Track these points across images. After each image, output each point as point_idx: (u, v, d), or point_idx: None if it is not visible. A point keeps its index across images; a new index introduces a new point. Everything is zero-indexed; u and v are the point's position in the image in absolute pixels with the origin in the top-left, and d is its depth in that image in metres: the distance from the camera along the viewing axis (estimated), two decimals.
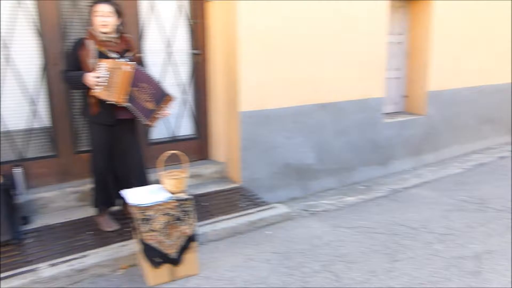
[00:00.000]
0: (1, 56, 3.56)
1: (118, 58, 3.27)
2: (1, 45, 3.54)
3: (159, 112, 3.32)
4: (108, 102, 3.19)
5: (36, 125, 3.79)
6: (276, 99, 4.47)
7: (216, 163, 4.63)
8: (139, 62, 3.43)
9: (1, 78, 3.58)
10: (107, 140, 3.39)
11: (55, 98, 3.79)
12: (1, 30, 3.52)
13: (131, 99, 3.18)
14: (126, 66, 3.11)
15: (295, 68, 4.52)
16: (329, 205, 4.54)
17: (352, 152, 5.20)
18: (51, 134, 3.86)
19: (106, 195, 3.50)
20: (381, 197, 4.77)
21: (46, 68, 3.72)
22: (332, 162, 5.05)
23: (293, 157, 4.73)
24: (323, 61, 4.70)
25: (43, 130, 3.83)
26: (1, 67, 3.57)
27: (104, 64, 3.16)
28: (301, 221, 4.07)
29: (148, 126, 3.36)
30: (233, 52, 4.21)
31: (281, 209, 4.08)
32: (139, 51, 4.10)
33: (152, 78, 3.26)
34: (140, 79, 3.19)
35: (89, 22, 3.33)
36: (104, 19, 3.22)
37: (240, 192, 4.36)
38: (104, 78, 3.15)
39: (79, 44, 3.24)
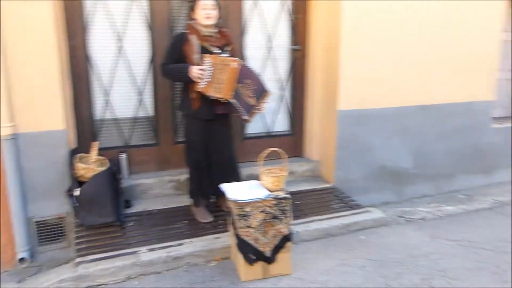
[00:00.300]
0: (115, 48, 3.73)
1: (221, 53, 3.28)
2: (116, 38, 3.70)
3: (258, 107, 3.30)
4: (211, 98, 3.22)
5: (141, 114, 3.94)
6: (376, 98, 4.27)
7: (309, 161, 4.54)
8: (237, 55, 3.43)
9: (114, 68, 3.75)
10: (204, 135, 3.41)
11: (159, 89, 3.91)
12: (116, 24, 3.67)
13: (236, 95, 3.19)
14: (233, 62, 3.12)
15: (396, 67, 4.28)
16: (426, 213, 4.26)
17: (453, 158, 4.85)
18: (153, 123, 3.99)
19: (201, 188, 3.54)
20: (486, 209, 4.40)
21: (153, 60, 3.84)
22: (430, 167, 4.75)
23: (389, 160, 4.51)
24: (427, 61, 4.41)
25: (146, 119, 3.97)
26: (114, 57, 3.74)
27: (209, 60, 3.17)
28: (396, 228, 3.86)
29: (247, 121, 3.35)
30: (335, 48, 4.07)
31: (376, 213, 3.90)
32: (239, 45, 4.11)
33: (255, 73, 3.24)
34: (245, 75, 3.19)
35: (190, 16, 3.35)
36: (209, 12, 3.23)
37: (332, 193, 4.23)
38: (209, 74, 3.16)
39: (183, 38, 3.26)
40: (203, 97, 3.26)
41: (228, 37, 3.40)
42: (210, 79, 3.17)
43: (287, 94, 4.47)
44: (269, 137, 4.46)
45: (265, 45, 4.25)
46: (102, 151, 3.66)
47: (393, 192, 4.62)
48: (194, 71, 3.16)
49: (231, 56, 3.33)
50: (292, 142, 4.57)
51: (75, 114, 3.63)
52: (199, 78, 3.17)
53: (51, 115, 3.28)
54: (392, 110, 4.38)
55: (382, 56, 4.19)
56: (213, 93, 3.18)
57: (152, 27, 3.79)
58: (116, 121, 3.86)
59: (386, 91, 4.30)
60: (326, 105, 4.31)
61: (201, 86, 3.20)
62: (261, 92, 3.27)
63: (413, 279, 3.03)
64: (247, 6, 4.11)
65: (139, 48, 3.81)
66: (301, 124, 4.56)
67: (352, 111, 4.20)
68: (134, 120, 3.92)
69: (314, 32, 4.27)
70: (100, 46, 3.69)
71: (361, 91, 4.18)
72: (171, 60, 3.30)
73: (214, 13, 3.25)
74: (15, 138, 3.19)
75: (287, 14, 4.26)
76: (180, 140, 4.02)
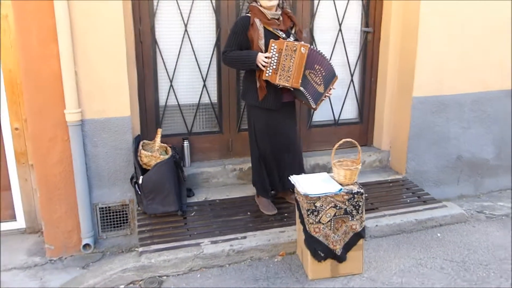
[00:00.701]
0: (181, 32, 3.60)
1: (287, 38, 3.05)
2: (181, 22, 3.58)
3: (326, 94, 3.06)
4: (280, 86, 3.02)
5: (204, 100, 3.81)
6: (455, 83, 3.90)
7: (378, 151, 4.24)
8: (301, 37, 3.21)
9: (179, 54, 3.64)
10: (269, 124, 3.21)
11: (223, 75, 3.75)
12: (182, 8, 3.54)
13: (305, 82, 2.96)
14: (302, 47, 2.89)
15: (478, 48, 3.88)
16: (508, 209, 3.87)
17: None
18: (217, 110, 3.85)
19: (266, 179, 3.37)
20: None
21: (218, 45, 3.69)
22: None
23: (467, 150, 4.13)
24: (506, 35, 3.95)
25: (210, 106, 3.84)
26: (179, 42, 3.62)
27: (275, 45, 2.95)
28: (477, 226, 3.52)
29: (314, 109, 3.12)
30: (412, 30, 3.73)
31: (454, 209, 3.57)
32: (309, 29, 3.86)
33: (324, 58, 3.00)
34: (314, 61, 2.96)
35: None
36: None
37: (404, 185, 3.93)
38: (275, 60, 2.96)
39: (247, 22, 3.04)
40: (268, 85, 3.07)
41: (292, 18, 3.16)
42: (276, 66, 2.96)
43: (356, 79, 4.17)
44: (335, 125, 4.20)
45: (334, 27, 3.97)
46: (165, 138, 3.57)
47: (471, 184, 4.25)
48: (262, 59, 2.96)
49: (297, 39, 3.10)
50: (360, 130, 4.29)
51: (139, 100, 3.55)
52: (265, 66, 2.98)
53: (117, 101, 3.21)
54: (471, 96, 3.99)
55: (462, 38, 3.81)
56: (280, 81, 2.97)
57: (218, 10, 3.62)
58: (179, 107, 3.75)
59: (466, 75, 3.91)
60: (399, 91, 3.99)
61: (267, 74, 3.00)
62: (330, 78, 3.04)
63: (502, 284, 2.72)
64: None
65: (204, 33, 3.67)
66: (370, 112, 4.26)
67: (428, 97, 3.85)
68: (198, 107, 3.80)
69: (388, 13, 3.93)
70: (166, 31, 3.58)
71: (439, 76, 3.83)
72: (235, 46, 3.09)
73: None
74: (81, 124, 3.16)
75: None
76: (244, 128, 3.86)
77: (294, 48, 2.91)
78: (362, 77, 4.16)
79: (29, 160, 3.48)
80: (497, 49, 3.94)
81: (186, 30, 3.59)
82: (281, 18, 3.10)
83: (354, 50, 4.09)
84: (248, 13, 3.13)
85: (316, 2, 3.82)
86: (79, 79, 3.10)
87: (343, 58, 4.06)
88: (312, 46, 2.98)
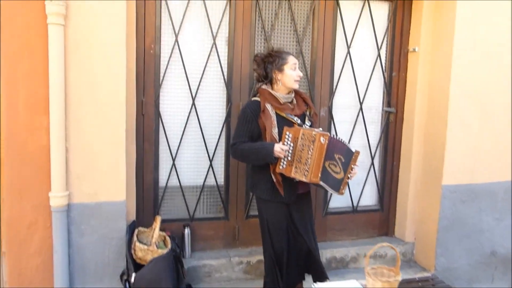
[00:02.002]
0: (187, 106, 3.21)
1: (302, 125, 2.64)
2: (188, 95, 3.19)
3: (348, 177, 2.60)
4: (296, 180, 2.57)
5: (209, 182, 3.33)
6: (487, 171, 3.51)
7: (401, 243, 3.73)
8: (316, 120, 2.80)
9: (185, 129, 3.22)
10: (283, 218, 2.71)
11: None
12: (191, 78, 3.17)
13: (324, 175, 2.49)
14: (321, 136, 2.43)
15: (506, 132, 3.52)
16: None
17: None
18: (223, 194, 3.37)
19: (280, 281, 2.79)
20: None
21: (227, 121, 3.28)
22: None
23: (501, 244, 3.65)
24: None
25: (215, 188, 3.36)
26: (185, 117, 3.21)
27: (290, 134, 2.52)
28: None
29: (339, 194, 2.65)
30: (440, 112, 3.38)
31: None
32: (328, 108, 3.50)
33: (344, 144, 2.55)
34: (335, 150, 2.50)
35: (269, 77, 2.67)
36: (299, 72, 2.65)
37: (435, 285, 3.37)
38: (290, 151, 2.52)
39: (258, 109, 2.60)
40: (283, 178, 2.61)
41: (307, 101, 2.75)
42: (292, 158, 2.52)
43: (377, 162, 3.75)
44: (353, 212, 3.71)
45: (353, 106, 3.61)
46: (163, 223, 3.05)
47: (506, 282, 3.72)
48: (278, 150, 2.51)
49: (313, 125, 2.69)
50: (380, 218, 3.81)
51: (137, 180, 3.07)
52: (283, 158, 2.54)
53: (111, 183, 2.74)
54: (504, 184, 3.58)
55: (494, 121, 3.46)
56: (296, 175, 2.51)
57: (229, 83, 3.25)
58: (181, 189, 3.27)
59: (498, 162, 3.52)
60: (425, 178, 3.56)
61: (281, 167, 2.55)
62: (349, 160, 2.57)
63: None
64: (338, 61, 3.51)
65: (213, 107, 3.28)
66: (391, 198, 3.80)
67: (459, 186, 3.43)
68: (202, 189, 3.32)
69: (412, 93, 3.59)
70: (171, 103, 3.18)
71: (470, 163, 3.44)
72: (246, 137, 2.63)
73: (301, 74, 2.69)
74: (67, 209, 2.65)
75: (381, 70, 3.63)
76: (253, 214, 3.37)
77: (313, 139, 2.44)
78: (384, 160, 3.75)
79: (2, 247, 2.92)
80: None
81: (193, 104, 3.19)
82: (294, 101, 2.69)
83: (375, 131, 3.71)
84: (255, 96, 2.73)
85: (336, 78, 3.48)
86: (70, 156, 2.64)
87: (363, 139, 3.66)
88: (332, 134, 2.55)
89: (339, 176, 2.54)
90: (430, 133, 3.50)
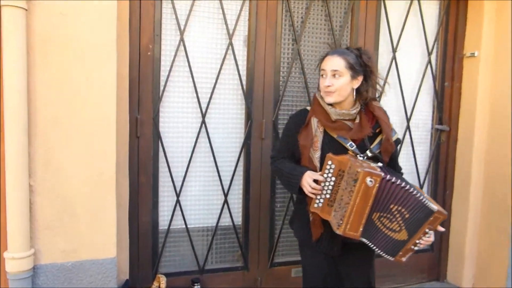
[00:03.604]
0: (195, 123, 2.42)
1: (358, 154, 1.82)
2: (197, 109, 2.41)
3: (417, 243, 1.81)
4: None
5: (224, 222, 2.54)
6: None
7: None
8: (390, 150, 1.88)
9: (192, 155, 2.42)
10: (323, 272, 1.95)
11: (252, 186, 2.53)
12: (198, 90, 2.39)
13: (369, 230, 1.72)
14: (369, 177, 1.65)
15: None
16: None
17: None
18: (241, 237, 2.57)
19: None
20: None
21: (246, 143, 2.50)
22: None
23: None
24: None
25: (232, 231, 2.55)
26: (193, 138, 2.42)
27: (333, 164, 1.75)
28: None
29: (398, 261, 1.85)
30: (507, 130, 2.65)
31: None
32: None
33: (410, 194, 1.71)
34: (391, 199, 1.70)
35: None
36: (328, 81, 1.82)
37: None
38: (329, 187, 1.76)
39: (302, 121, 1.88)
40: (323, 219, 1.83)
41: (380, 120, 1.87)
42: (332, 196, 1.76)
43: (425, 191, 3.00)
44: None
45: (400, 124, 2.85)
46: (166, 278, 2.24)
47: None
48: (307, 181, 1.77)
49: (377, 158, 1.85)
50: (430, 260, 3.03)
51: (130, 224, 2.26)
52: (315, 193, 1.78)
53: (97, 234, 1.93)
54: None
55: None
56: (331, 220, 1.75)
57: (249, 93, 2.48)
58: (188, 233, 2.46)
59: None
60: (490, 211, 2.81)
61: (316, 205, 1.80)
62: (421, 219, 1.79)
63: None
64: (380, 72, 2.72)
65: (228, 126, 2.50)
66: (443, 236, 3.03)
67: None
68: (215, 232, 2.51)
69: (470, 106, 2.85)
70: (175, 121, 2.40)
71: None
72: (285, 152, 1.95)
73: (339, 83, 1.81)
74: (33, 274, 1.82)
75: (431, 79, 2.90)
76: (279, 261, 2.59)
77: (355, 177, 1.67)
78: (434, 189, 2.99)
79: None
80: None
81: (203, 122, 2.41)
82: (358, 120, 1.86)
83: (423, 153, 2.96)
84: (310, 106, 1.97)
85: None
86: (36, 199, 1.82)
87: (410, 163, 2.90)
88: (388, 176, 1.70)
89: (398, 237, 1.75)
90: (493, 155, 2.77)
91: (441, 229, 1.79)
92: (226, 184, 2.50)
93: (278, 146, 2.03)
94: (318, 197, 1.78)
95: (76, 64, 1.86)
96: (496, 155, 2.76)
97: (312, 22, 2.59)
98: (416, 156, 2.90)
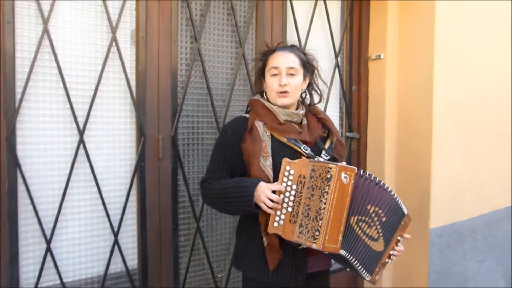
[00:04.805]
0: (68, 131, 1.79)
1: (315, 157, 1.55)
2: (76, 126, 1.78)
3: (391, 254, 1.57)
4: (302, 247, 1.49)
5: (114, 269, 1.94)
6: (468, 205, 2.77)
7: None
8: (343, 155, 1.69)
9: (69, 181, 1.78)
10: None
11: (151, 216, 1.98)
12: (75, 109, 1.77)
13: (349, 239, 1.46)
14: (343, 172, 1.41)
15: (484, 159, 2.85)
16: None
17: None
18: (136, 283, 1.99)
19: None
20: None
21: (139, 166, 1.95)
22: None
23: None
24: (507, 148, 3.04)
25: (124, 278, 1.96)
26: (67, 149, 1.79)
27: (292, 169, 1.47)
28: None
29: (372, 282, 1.57)
30: (421, 137, 2.52)
31: None
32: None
33: (386, 191, 1.54)
34: (368, 197, 1.49)
35: (256, 86, 1.70)
36: (285, 80, 1.54)
37: None
38: (291, 198, 1.47)
39: (243, 128, 1.56)
40: (283, 242, 1.49)
41: (326, 123, 1.68)
42: (294, 209, 1.45)
43: None
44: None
45: None
46: None
47: None
48: (266, 194, 1.44)
49: (335, 159, 1.60)
50: (349, 276, 2.79)
51: None
52: (273, 207, 1.45)
53: None
54: (483, 219, 2.89)
55: (472, 144, 2.75)
56: (301, 239, 1.43)
57: (140, 105, 1.93)
58: None
59: (477, 193, 2.81)
60: None
61: (276, 224, 1.46)
62: (395, 223, 1.56)
63: None
64: None
65: (115, 146, 1.92)
66: None
67: (445, 228, 2.62)
68: (103, 282, 1.90)
69: (378, 112, 2.67)
70: (39, 141, 1.75)
71: (454, 196, 2.65)
72: (222, 171, 1.58)
73: (294, 82, 1.57)
74: None
75: (338, 83, 2.66)
76: None
77: (328, 175, 1.40)
78: None
79: None
80: (498, 156, 2.96)
81: (81, 140, 1.80)
82: (305, 122, 1.63)
83: None
84: (247, 112, 1.65)
85: None
86: None
87: None
88: (361, 171, 1.49)
89: (376, 247, 1.53)
90: (406, 163, 2.63)
91: (407, 236, 1.60)
92: (115, 220, 1.91)
93: (211, 165, 1.61)
94: (278, 213, 1.45)
95: None
96: (410, 164, 2.61)
97: (213, 16, 2.16)
98: None
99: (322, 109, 2.04)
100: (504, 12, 2.87)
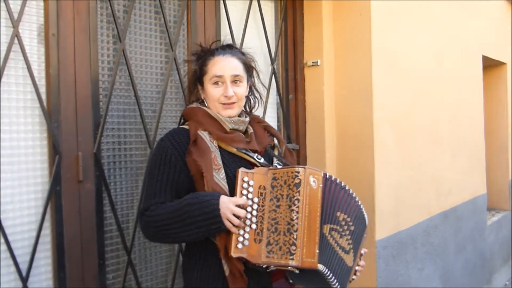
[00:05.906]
0: None
1: (270, 166, 1.41)
2: None
3: (356, 268, 1.46)
4: (270, 269, 1.29)
5: None
6: (408, 212, 2.74)
7: None
8: (292, 162, 1.54)
9: None
10: None
11: (70, 252, 1.60)
12: None
13: (324, 251, 1.30)
14: (312, 176, 1.28)
15: (421, 165, 2.86)
16: None
17: (470, 275, 3.51)
18: None
19: None
20: None
21: (53, 191, 1.57)
22: None
23: None
24: (442, 153, 3.10)
25: None
26: None
27: (250, 179, 1.29)
28: None
29: None
30: (362, 145, 2.43)
31: None
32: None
33: (352, 197, 1.42)
34: (336, 204, 1.36)
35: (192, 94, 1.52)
36: (231, 91, 1.40)
37: None
38: (254, 212, 1.28)
39: (185, 141, 1.36)
40: (246, 268, 1.29)
41: (270, 130, 1.56)
42: (258, 226, 1.26)
43: None
44: None
45: None
46: None
47: None
48: (228, 208, 1.24)
49: (283, 162, 1.48)
50: None
51: None
52: (235, 226, 1.25)
53: None
54: (421, 226, 2.91)
55: (409, 152, 2.73)
56: (274, 259, 1.24)
57: (54, 116, 1.57)
58: None
59: (415, 200, 2.81)
60: None
61: (240, 245, 1.25)
62: (360, 234, 1.44)
63: None
64: None
65: (21, 168, 1.53)
66: None
67: (389, 238, 2.54)
68: None
69: (317, 121, 2.53)
70: None
71: (396, 205, 2.60)
72: (164, 194, 1.33)
73: (240, 90, 1.43)
74: None
75: (275, 92, 2.47)
76: None
77: (296, 180, 1.26)
78: None
79: None
80: (432, 163, 2.99)
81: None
82: (251, 130, 1.48)
83: None
84: (182, 123, 1.43)
85: None
86: None
87: None
88: (327, 174, 1.36)
89: (347, 261, 1.37)
90: (348, 174, 2.50)
91: (364, 250, 1.48)
92: (23, 261, 1.50)
93: (149, 190, 1.37)
94: (242, 232, 1.26)
95: None
96: (350, 173, 2.49)
97: (139, 14, 1.87)
98: None
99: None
100: (439, 19, 2.92)
